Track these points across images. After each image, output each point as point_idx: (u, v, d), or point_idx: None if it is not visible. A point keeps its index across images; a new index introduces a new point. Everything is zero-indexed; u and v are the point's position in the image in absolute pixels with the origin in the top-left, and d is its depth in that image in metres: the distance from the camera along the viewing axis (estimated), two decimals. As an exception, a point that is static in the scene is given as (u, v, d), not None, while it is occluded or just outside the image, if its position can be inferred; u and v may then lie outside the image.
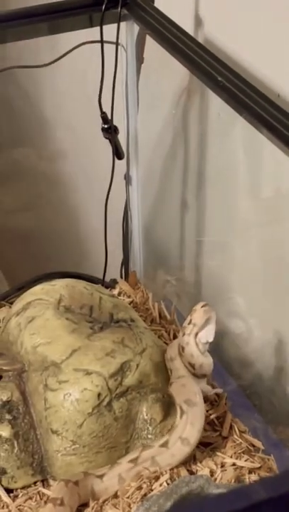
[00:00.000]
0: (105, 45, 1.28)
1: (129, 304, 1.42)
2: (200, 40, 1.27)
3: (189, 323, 1.15)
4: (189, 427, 1.08)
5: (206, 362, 1.16)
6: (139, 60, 1.34)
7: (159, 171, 1.48)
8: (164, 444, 1.08)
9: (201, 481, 1.01)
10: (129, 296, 1.47)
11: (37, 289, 1.26)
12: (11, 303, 1.43)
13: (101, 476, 1.08)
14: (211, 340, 1.16)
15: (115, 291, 1.47)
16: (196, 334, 1.16)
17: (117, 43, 1.26)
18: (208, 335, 1.15)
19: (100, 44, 1.29)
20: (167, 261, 1.55)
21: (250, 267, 1.32)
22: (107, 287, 1.45)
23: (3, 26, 1.19)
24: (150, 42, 1.32)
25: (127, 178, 1.44)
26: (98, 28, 1.27)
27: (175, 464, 1.09)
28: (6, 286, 1.91)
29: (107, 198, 1.39)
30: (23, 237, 1.94)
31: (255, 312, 1.30)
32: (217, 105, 1.25)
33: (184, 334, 1.15)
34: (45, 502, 1.10)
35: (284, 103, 1.12)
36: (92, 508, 1.07)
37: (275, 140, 1.02)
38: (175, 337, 1.36)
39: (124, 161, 1.43)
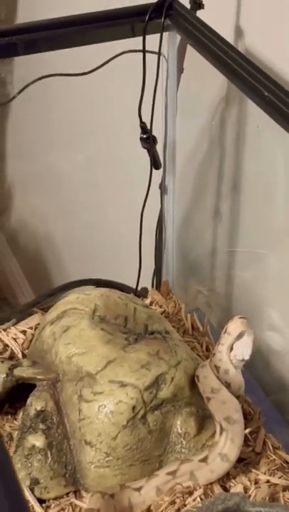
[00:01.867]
0: (146, 55, 1.27)
1: (161, 314, 1.41)
2: (240, 50, 1.27)
3: (224, 332, 1.14)
4: (229, 443, 1.07)
5: (239, 379, 1.15)
6: (180, 70, 1.33)
7: (194, 180, 1.48)
8: (204, 459, 1.08)
9: (237, 499, 1.00)
10: (160, 306, 1.46)
11: (72, 298, 1.25)
12: (43, 309, 1.43)
13: (138, 489, 1.08)
14: (247, 358, 1.14)
15: (147, 301, 1.47)
16: (231, 346, 1.15)
17: (159, 53, 1.25)
18: (244, 352, 1.14)
19: (138, 54, 1.28)
20: (200, 271, 1.54)
21: (284, 278, 1.32)
22: (138, 296, 1.45)
23: (48, 34, 1.19)
24: (190, 52, 1.31)
25: (163, 188, 1.43)
26: (136, 38, 1.27)
27: (214, 479, 1.08)
28: (31, 293, 1.91)
29: (144, 206, 1.38)
30: (54, 245, 1.95)
31: (290, 326, 1.29)
32: (256, 115, 1.24)
33: (218, 345, 1.14)
34: (78, 513, 1.09)
35: None
36: (126, 522, 1.06)
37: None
38: (208, 349, 1.35)
39: (159, 171, 1.43)
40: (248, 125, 1.32)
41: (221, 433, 1.09)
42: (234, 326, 1.15)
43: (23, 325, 1.38)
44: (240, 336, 1.15)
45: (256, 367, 1.29)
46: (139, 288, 1.52)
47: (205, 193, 1.47)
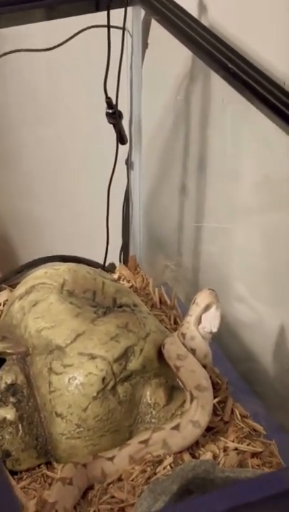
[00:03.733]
0: (110, 30, 1.28)
1: (129, 288, 1.42)
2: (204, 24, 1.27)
3: (193, 303, 1.16)
4: (200, 410, 1.09)
5: (205, 347, 1.17)
6: (144, 45, 1.34)
7: (161, 156, 1.48)
8: (176, 427, 1.10)
9: (207, 466, 1.02)
10: (128, 281, 1.48)
11: (40, 273, 1.26)
12: (11, 286, 1.43)
13: (111, 459, 1.09)
14: (214, 330, 1.17)
15: (115, 276, 1.48)
16: (200, 319, 1.17)
17: (124, 28, 1.26)
18: (212, 324, 1.16)
19: (103, 29, 1.28)
20: (167, 246, 1.55)
21: (250, 252, 1.33)
22: (106, 271, 1.46)
23: (11, 9, 1.18)
24: (155, 27, 1.32)
25: (129, 163, 1.44)
26: (101, 13, 1.27)
27: (186, 446, 1.10)
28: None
29: (110, 182, 1.39)
30: (19, 222, 1.94)
31: (256, 298, 1.31)
32: (221, 90, 1.25)
33: (186, 316, 1.16)
34: (50, 484, 1.11)
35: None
36: (98, 491, 1.08)
37: (280, 123, 1.03)
38: (176, 322, 1.37)
39: (125, 147, 1.43)
40: (213, 100, 1.33)
41: (191, 401, 1.11)
42: (202, 297, 1.17)
43: (-9, 301, 1.39)
44: (208, 308, 1.17)
45: (223, 338, 1.30)
46: (106, 264, 1.53)
47: (171, 169, 1.48)
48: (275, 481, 0.52)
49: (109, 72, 1.30)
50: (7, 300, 1.35)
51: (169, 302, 1.41)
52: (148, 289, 1.44)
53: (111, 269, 1.52)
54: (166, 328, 1.30)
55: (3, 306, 1.36)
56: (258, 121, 1.13)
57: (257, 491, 0.51)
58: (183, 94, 1.38)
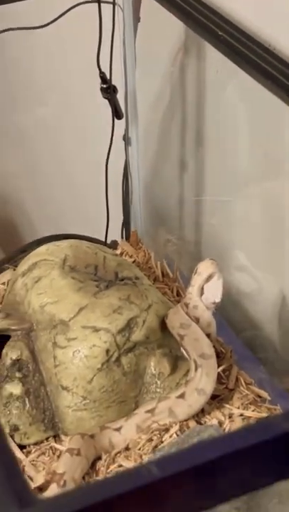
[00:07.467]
0: (101, 5, 1.28)
1: (132, 263, 1.43)
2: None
3: (195, 273, 1.17)
4: (205, 377, 1.10)
5: (209, 316, 1.17)
6: (136, 19, 1.34)
7: (158, 130, 1.49)
8: (181, 396, 1.11)
9: (211, 431, 1.03)
10: (131, 256, 1.48)
11: (42, 249, 1.27)
12: (15, 266, 1.44)
13: (118, 429, 1.10)
14: (218, 300, 1.17)
15: (117, 252, 1.48)
16: (202, 290, 1.17)
17: (114, 3, 1.26)
18: (215, 294, 1.17)
19: (94, 5, 1.29)
20: (168, 220, 1.56)
21: (250, 222, 1.34)
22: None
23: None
24: (146, 0, 1.32)
25: (126, 139, 1.44)
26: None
27: (192, 414, 1.11)
28: (1, 253, 1.91)
29: (108, 159, 1.39)
30: (20, 202, 1.95)
31: (257, 267, 1.32)
32: (215, 60, 1.25)
33: (188, 286, 1.17)
34: (58, 456, 1.12)
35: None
36: (105, 461, 1.09)
37: (276, 90, 1.03)
38: (178, 294, 1.38)
39: (122, 123, 1.44)
40: (208, 71, 1.33)
41: (196, 369, 1.11)
42: (204, 267, 1.18)
43: (-5, 281, 1.40)
44: (210, 278, 1.18)
45: (226, 308, 1.31)
46: (109, 241, 1.54)
47: (169, 143, 1.48)
48: (267, 427, 0.53)
49: (103, 48, 1.30)
50: (10, 279, 1.36)
51: (171, 275, 1.42)
52: (150, 263, 1.45)
53: (113, 246, 1.53)
54: (169, 300, 1.31)
55: (7, 285, 1.37)
56: (252, 90, 1.13)
57: (248, 438, 0.52)
58: (177, 67, 1.38)
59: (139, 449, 1.10)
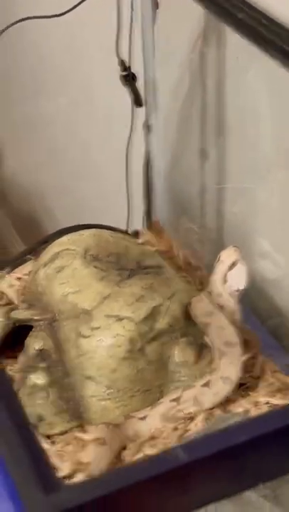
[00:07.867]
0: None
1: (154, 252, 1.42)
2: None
3: (217, 261, 1.16)
4: (230, 366, 1.09)
5: (233, 303, 1.16)
6: (154, 5, 1.33)
7: (178, 118, 1.48)
8: (206, 384, 1.10)
9: (238, 418, 1.02)
10: (153, 245, 1.47)
11: (63, 239, 1.27)
12: (37, 257, 1.43)
13: (143, 418, 1.10)
14: (241, 288, 1.16)
15: (140, 241, 1.47)
16: (225, 278, 1.16)
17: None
18: (238, 281, 1.16)
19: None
20: (189, 209, 1.55)
21: (273, 209, 1.32)
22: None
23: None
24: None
25: (147, 127, 1.43)
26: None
27: (218, 402, 1.10)
28: (22, 245, 1.91)
29: (128, 147, 1.38)
30: (41, 193, 1.94)
31: (281, 253, 1.30)
32: (235, 47, 1.24)
33: (212, 274, 1.16)
34: (83, 446, 1.11)
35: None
36: (130, 450, 1.08)
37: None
38: (202, 283, 1.36)
39: (142, 111, 1.43)
40: (228, 57, 1.32)
41: (220, 357, 1.10)
42: (227, 254, 1.17)
43: (18, 272, 1.39)
44: (233, 265, 1.17)
45: (251, 296, 1.30)
46: (129, 231, 1.53)
47: (190, 130, 1.47)
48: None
49: (122, 35, 1.29)
50: (32, 270, 1.36)
51: (194, 264, 1.41)
52: (172, 252, 1.44)
53: (135, 235, 1.52)
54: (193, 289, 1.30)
55: (29, 275, 1.36)
56: (274, 75, 1.12)
57: (275, 422, 0.50)
58: (197, 53, 1.37)
59: (165, 438, 1.09)
